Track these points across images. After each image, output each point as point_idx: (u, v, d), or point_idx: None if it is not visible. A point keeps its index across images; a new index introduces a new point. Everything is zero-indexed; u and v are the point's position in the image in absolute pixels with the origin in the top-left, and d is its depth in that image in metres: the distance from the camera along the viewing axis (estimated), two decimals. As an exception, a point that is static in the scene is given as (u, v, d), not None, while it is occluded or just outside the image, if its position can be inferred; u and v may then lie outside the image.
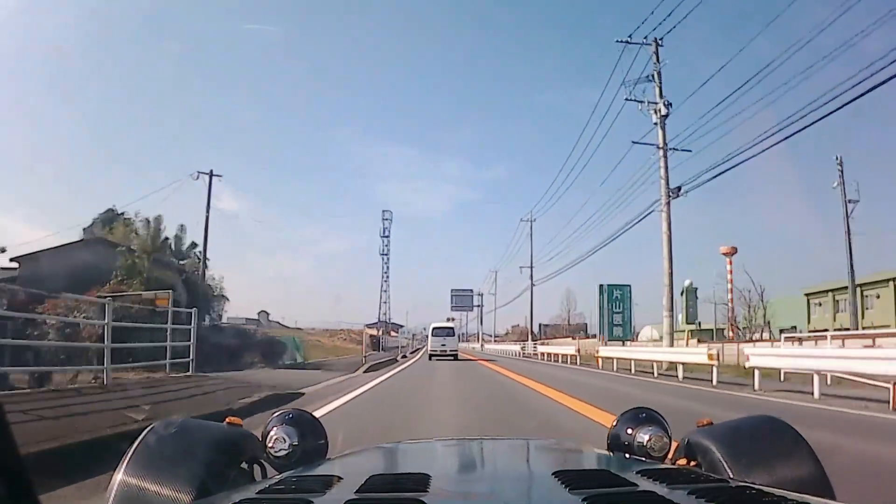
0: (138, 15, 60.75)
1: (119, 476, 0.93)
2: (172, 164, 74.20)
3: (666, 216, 18.87)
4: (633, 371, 16.27)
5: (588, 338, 48.01)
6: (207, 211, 23.24)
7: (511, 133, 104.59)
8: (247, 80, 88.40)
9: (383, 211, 73.67)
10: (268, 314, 57.47)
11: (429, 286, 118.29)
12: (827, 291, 37.92)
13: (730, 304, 44.67)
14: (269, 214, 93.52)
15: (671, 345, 18.50)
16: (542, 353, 30.99)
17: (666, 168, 18.92)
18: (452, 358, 24.75)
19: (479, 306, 67.11)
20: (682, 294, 57.16)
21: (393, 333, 63.43)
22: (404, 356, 28.80)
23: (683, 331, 39.63)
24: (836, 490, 1.04)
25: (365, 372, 14.90)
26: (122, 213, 21.40)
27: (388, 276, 73.52)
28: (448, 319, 59.08)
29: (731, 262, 46.05)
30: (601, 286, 31.54)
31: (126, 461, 0.95)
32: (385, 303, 73.79)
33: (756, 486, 0.75)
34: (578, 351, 24.06)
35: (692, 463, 1.13)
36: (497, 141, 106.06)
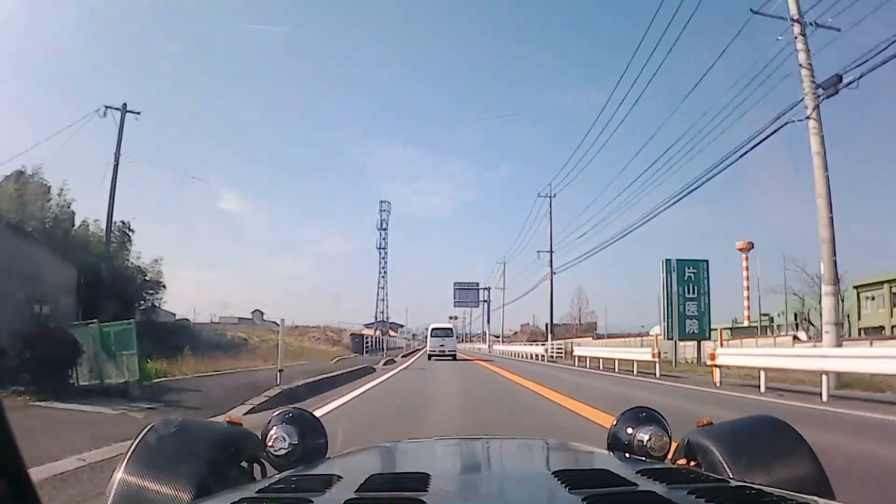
0: (140, 15, 60.73)
1: (119, 474, 0.93)
2: (174, 163, 74.51)
3: (816, 127, 11.99)
4: (825, 397, 8.72)
5: (598, 338, 44.40)
6: (116, 159, 17.14)
7: (515, 133, 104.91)
8: (248, 81, 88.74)
9: (381, 202, 67.61)
10: (262, 313, 51.00)
11: (431, 287, 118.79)
12: (881, 283, 33.57)
13: (746, 302, 42.38)
14: (269, 214, 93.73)
15: (838, 343, 11.36)
16: (581, 358, 21.84)
17: (807, 51, 12.34)
18: (451, 357, 25.64)
19: (485, 301, 59.58)
20: None
21: (392, 333, 60.82)
22: (391, 362, 22.37)
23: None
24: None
25: (251, 412, 7.12)
26: (32, 175, 15.31)
27: (385, 272, 67.93)
28: (451, 318, 59.22)
29: (746, 258, 43.41)
30: (667, 262, 21.64)
31: (126, 460, 0.95)
32: (382, 300, 67.63)
33: (756, 486, 0.76)
34: (658, 355, 15.64)
35: (692, 463, 1.14)
36: (501, 141, 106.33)
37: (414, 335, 70.48)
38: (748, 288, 42.62)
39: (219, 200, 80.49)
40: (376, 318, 66.88)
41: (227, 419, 1.20)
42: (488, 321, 61.79)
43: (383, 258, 69.08)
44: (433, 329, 28.71)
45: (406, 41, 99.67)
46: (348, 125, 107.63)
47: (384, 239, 68.29)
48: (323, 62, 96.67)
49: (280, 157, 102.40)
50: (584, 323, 60.85)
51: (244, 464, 1.16)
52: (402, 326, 71.92)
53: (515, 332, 71.98)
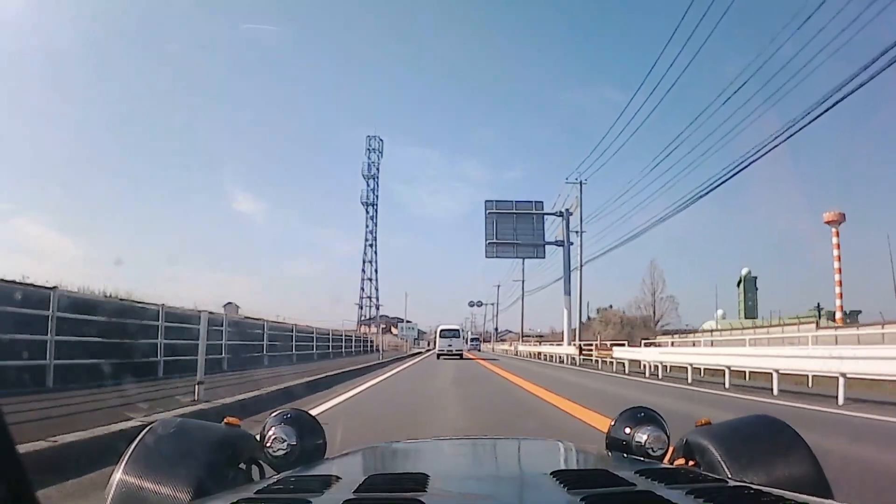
0: (153, 16, 60.82)
1: (117, 475, 0.93)
2: (179, 165, 74.85)
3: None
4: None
5: (683, 333, 29.66)
6: None
7: (531, 134, 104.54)
8: (258, 83, 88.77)
9: (368, 137, 47.94)
10: (237, 307, 34.72)
11: (445, 289, 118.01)
12: None
13: (837, 286, 34.05)
14: (281, 216, 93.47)
15: None
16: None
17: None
18: (458, 356, 26.94)
19: (559, 243, 29.35)
20: (738, 284, 46.83)
21: (394, 331, 49.95)
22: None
23: (748, 328, 27.86)
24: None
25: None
26: None
27: (375, 238, 47.52)
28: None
29: (837, 234, 35.64)
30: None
31: (125, 461, 0.95)
32: (370, 280, 47.93)
33: (754, 486, 0.76)
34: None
35: (690, 462, 1.14)
36: (517, 142, 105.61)
37: (422, 333, 55.91)
38: (840, 270, 34.63)
39: (232, 201, 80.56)
40: (361, 306, 47.80)
41: (226, 420, 1.20)
42: (568, 288, 29.05)
43: (371, 218, 48.78)
44: (441, 330, 29.62)
45: (419, 42, 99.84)
46: (362, 127, 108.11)
47: (373, 190, 48.26)
48: (334, 63, 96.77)
49: (290, 158, 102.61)
50: (628, 318, 41.28)
51: (242, 465, 1.16)
52: (402, 321, 53.50)
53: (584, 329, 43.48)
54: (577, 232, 28.39)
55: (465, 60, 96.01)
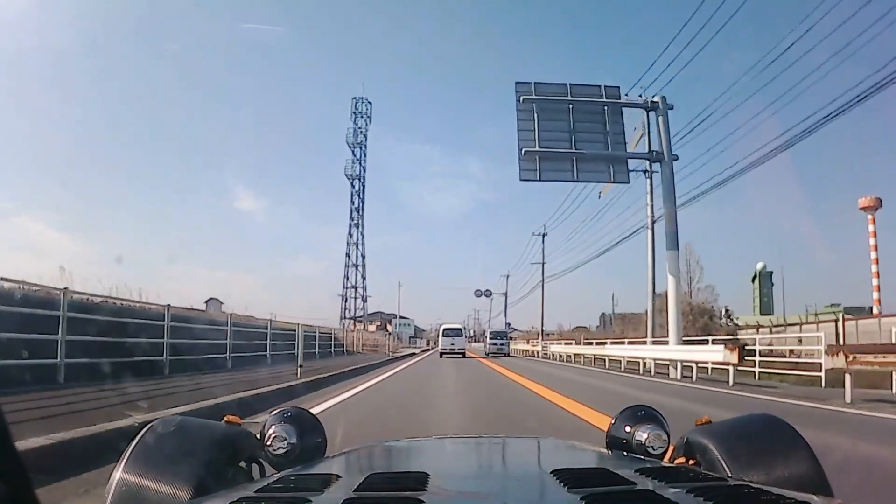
0: (157, 16, 60.70)
1: (118, 474, 0.92)
2: (179, 163, 74.94)
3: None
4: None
5: (736, 329, 22.32)
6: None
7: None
8: (256, 80, 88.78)
9: (354, 100, 41.82)
10: (220, 302, 29.41)
11: (447, 287, 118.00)
12: None
13: (874, 278, 30.17)
14: (283, 215, 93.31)
15: None
16: None
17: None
18: (460, 355, 27.01)
19: (656, 157, 15.84)
20: (753, 280, 44.83)
21: (389, 328, 44.75)
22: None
23: (765, 326, 23.65)
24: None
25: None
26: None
27: (361, 217, 40.71)
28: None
29: (873, 221, 32.30)
30: None
31: (125, 459, 0.95)
32: (356, 267, 41.45)
33: (754, 485, 0.76)
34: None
35: (691, 461, 1.14)
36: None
37: (420, 330, 50.56)
38: (877, 261, 31.16)
39: (233, 199, 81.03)
40: (345, 298, 41.35)
41: (226, 418, 1.20)
42: (675, 240, 15.46)
43: (357, 193, 41.82)
44: (444, 329, 29.73)
45: (420, 41, 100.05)
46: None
47: (359, 161, 41.12)
48: (335, 61, 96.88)
49: (293, 157, 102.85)
50: (698, 305, 29.02)
51: (243, 463, 1.16)
52: (397, 317, 46.23)
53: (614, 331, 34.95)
54: (649, 166, 16.64)
55: (466, 59, 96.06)
